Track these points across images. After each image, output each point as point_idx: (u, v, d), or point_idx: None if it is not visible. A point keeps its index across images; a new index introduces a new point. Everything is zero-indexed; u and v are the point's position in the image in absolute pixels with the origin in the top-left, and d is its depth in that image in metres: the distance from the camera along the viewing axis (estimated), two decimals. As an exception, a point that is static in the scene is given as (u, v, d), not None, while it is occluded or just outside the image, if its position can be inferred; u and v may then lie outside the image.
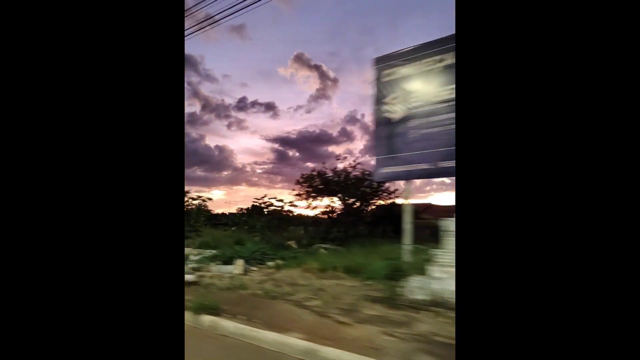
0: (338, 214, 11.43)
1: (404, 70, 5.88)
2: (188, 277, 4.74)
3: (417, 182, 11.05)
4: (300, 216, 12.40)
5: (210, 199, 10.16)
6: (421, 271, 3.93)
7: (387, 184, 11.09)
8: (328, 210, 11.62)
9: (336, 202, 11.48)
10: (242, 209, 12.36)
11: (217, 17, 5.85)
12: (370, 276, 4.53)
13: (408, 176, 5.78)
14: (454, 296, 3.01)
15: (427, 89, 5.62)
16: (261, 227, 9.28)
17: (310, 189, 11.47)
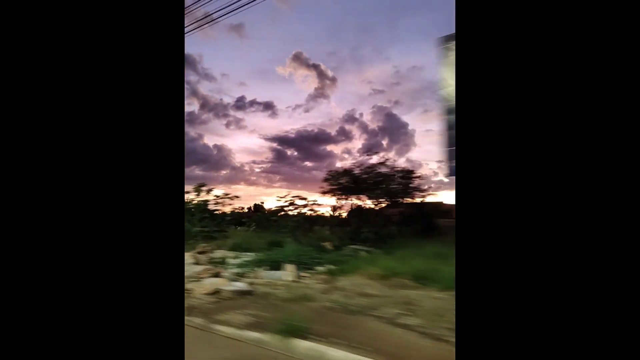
0: (366, 213, 10.91)
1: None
2: (239, 286, 4.24)
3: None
4: (324, 216, 11.91)
5: (236, 196, 9.61)
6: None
7: (420, 181, 10.55)
8: (355, 208, 11.12)
9: (364, 201, 10.97)
10: (251, 207, 11.87)
11: (215, 16, 5.68)
12: (448, 285, 3.99)
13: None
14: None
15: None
16: (292, 228, 8.76)
17: (337, 187, 10.96)
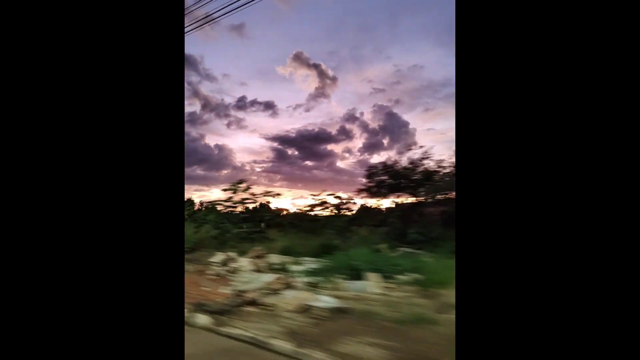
0: (409, 212, 10.23)
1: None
2: (328, 301, 3.61)
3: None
4: (360, 216, 11.25)
5: (278, 194, 8.95)
6: None
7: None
8: (396, 207, 10.45)
9: (406, 199, 10.29)
10: (265, 206, 11.19)
11: (216, 16, 5.62)
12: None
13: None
14: None
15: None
16: (339, 229, 8.11)
17: (376, 185, 10.30)
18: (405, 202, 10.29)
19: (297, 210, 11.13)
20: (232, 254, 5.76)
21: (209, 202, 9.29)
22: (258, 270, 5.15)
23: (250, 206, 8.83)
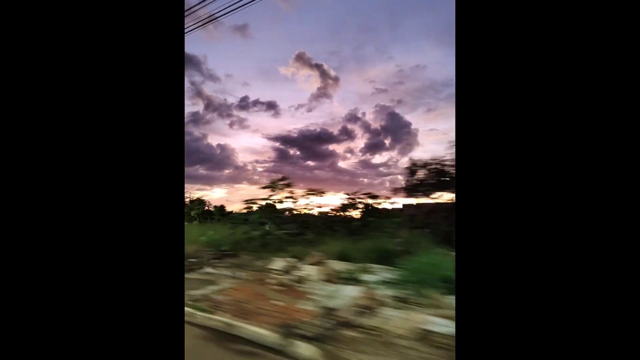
0: (450, 212, 9.55)
1: None
2: (444, 324, 2.95)
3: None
4: (397, 215, 10.58)
5: (321, 192, 8.26)
6: None
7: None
8: (438, 207, 9.77)
9: (446, 199, 9.60)
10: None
11: (218, 16, 5.65)
12: None
13: None
14: None
15: None
16: (392, 231, 7.44)
17: (416, 184, 9.63)
18: (443, 201, 9.61)
19: (329, 211, 10.47)
20: (291, 260, 5.13)
21: (248, 201, 8.62)
22: (328, 280, 4.50)
23: (289, 206, 8.17)
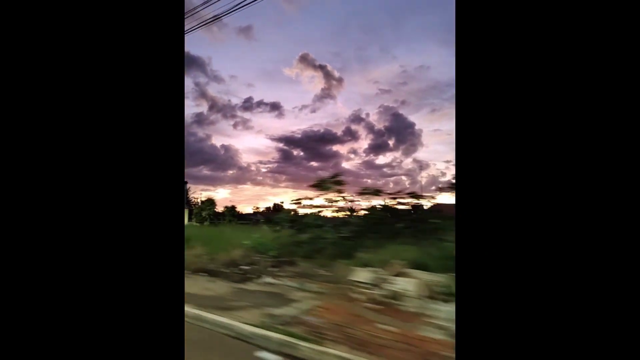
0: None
1: None
2: None
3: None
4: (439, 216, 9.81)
5: (377, 191, 7.46)
6: None
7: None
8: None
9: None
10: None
11: (222, 17, 5.50)
12: None
13: None
14: None
15: None
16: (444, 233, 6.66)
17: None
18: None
19: (373, 212, 9.69)
20: (373, 270, 4.39)
21: (296, 201, 7.89)
22: (431, 297, 3.76)
23: (340, 206, 7.42)
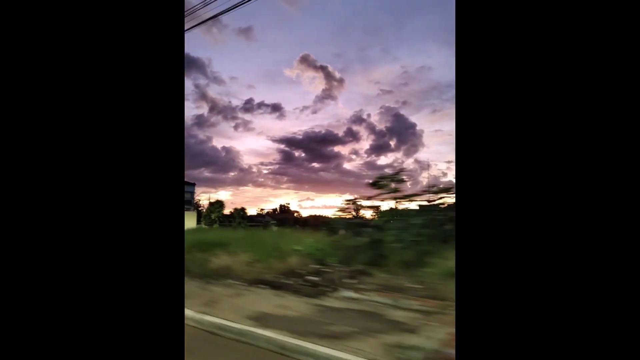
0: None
1: None
2: None
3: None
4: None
5: (446, 189, 6.59)
6: None
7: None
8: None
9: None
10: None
11: (220, 15, 5.56)
12: None
13: None
14: None
15: None
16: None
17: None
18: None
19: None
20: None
21: (349, 201, 7.07)
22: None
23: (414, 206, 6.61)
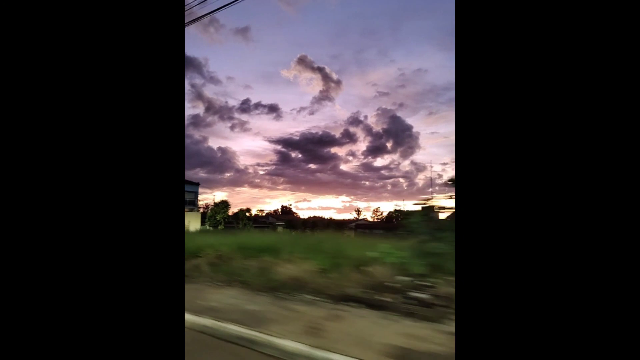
0: None
1: None
2: None
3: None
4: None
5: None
6: None
7: None
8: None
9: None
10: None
11: (215, 12, 5.35)
12: None
13: None
14: None
15: None
16: None
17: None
18: None
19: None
20: None
21: (424, 200, 6.22)
22: None
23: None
